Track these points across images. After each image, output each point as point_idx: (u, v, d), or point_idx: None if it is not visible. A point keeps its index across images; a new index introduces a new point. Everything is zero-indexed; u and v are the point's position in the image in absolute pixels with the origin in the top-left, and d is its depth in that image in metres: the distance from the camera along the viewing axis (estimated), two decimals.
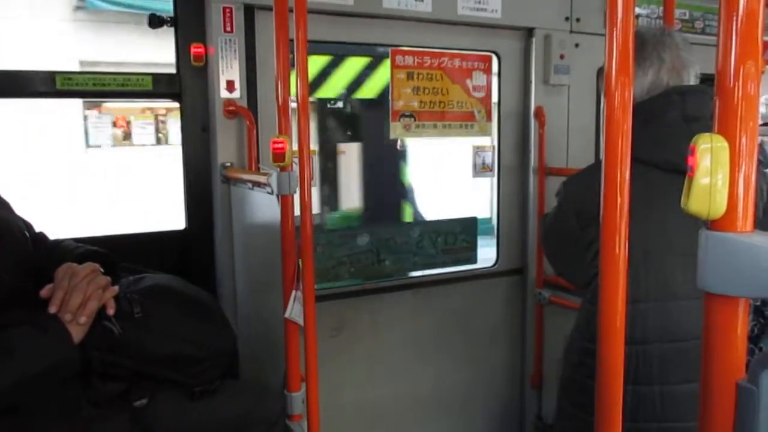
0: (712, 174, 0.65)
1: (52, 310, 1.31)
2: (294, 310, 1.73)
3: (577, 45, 2.85)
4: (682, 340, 1.68)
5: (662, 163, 1.61)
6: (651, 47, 1.70)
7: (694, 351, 1.67)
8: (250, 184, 2.00)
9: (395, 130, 2.57)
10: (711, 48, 2.53)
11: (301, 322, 1.71)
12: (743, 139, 0.66)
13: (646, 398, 1.68)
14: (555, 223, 1.87)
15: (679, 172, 1.60)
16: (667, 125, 1.63)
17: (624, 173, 0.82)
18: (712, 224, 0.68)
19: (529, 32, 2.80)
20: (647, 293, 1.67)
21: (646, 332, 1.67)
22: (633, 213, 1.63)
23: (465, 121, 2.73)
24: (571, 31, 2.84)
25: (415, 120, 2.59)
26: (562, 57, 2.79)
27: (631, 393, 1.67)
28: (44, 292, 1.34)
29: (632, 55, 0.84)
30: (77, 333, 1.32)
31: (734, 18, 0.65)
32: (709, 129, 1.83)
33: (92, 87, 2.07)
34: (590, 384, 1.73)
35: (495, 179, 2.90)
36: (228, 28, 2.17)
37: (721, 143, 0.65)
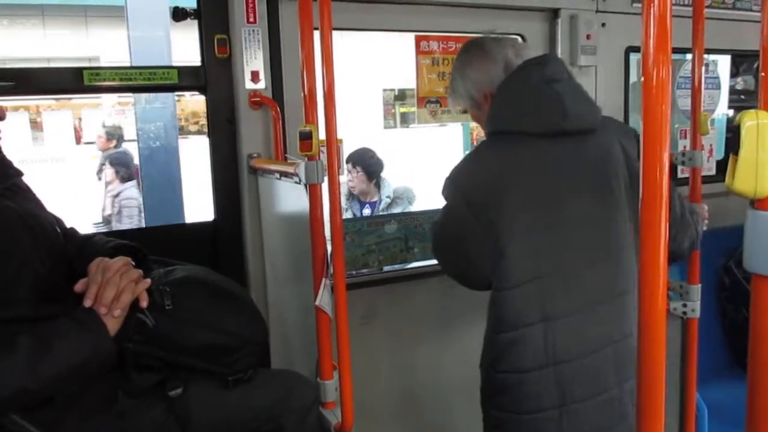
0: (759, 151, 0.63)
1: (87, 303, 1.32)
2: (323, 299, 1.73)
3: (603, 25, 2.80)
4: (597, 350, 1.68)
5: (543, 125, 1.68)
6: (490, 43, 1.82)
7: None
8: (277, 174, 2.00)
9: (421, 116, 2.56)
10: (741, 24, 2.50)
11: (329, 310, 1.71)
12: None
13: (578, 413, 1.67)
14: (448, 222, 1.79)
15: (563, 133, 1.65)
16: (533, 89, 1.70)
17: (663, 152, 0.80)
18: (757, 203, 0.66)
19: (554, 13, 2.76)
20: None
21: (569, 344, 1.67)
22: (524, 184, 1.66)
23: None
24: (597, 11, 2.79)
25: (440, 106, 2.58)
26: (588, 37, 2.74)
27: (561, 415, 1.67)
28: (78, 287, 1.35)
29: (669, 31, 0.81)
30: (112, 326, 1.33)
31: None
32: (572, 88, 1.76)
33: (119, 82, 2.08)
34: (513, 377, 1.70)
35: None
36: (251, 19, 2.17)
37: (767, 120, 0.63)
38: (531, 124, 1.69)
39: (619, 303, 1.69)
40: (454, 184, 1.75)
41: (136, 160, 4.74)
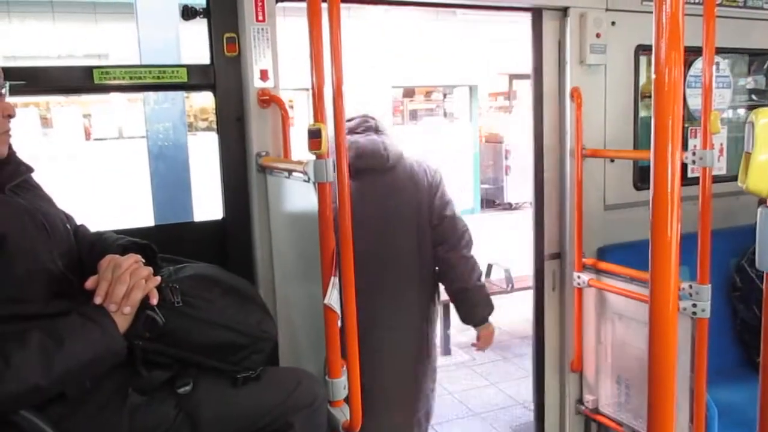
0: None
1: (98, 300, 1.33)
2: (332, 297, 1.72)
3: (613, 23, 2.79)
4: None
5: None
6: None
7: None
8: (286, 173, 2.00)
9: None
10: (753, 22, 2.48)
11: (338, 309, 1.71)
12: None
13: None
14: None
15: (358, 171, 2.35)
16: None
17: (674, 152, 0.79)
18: None
19: (564, 11, 2.75)
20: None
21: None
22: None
23: None
24: (607, 9, 2.78)
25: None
26: (598, 36, 2.73)
27: None
28: (89, 284, 1.36)
29: (682, 30, 0.81)
30: (122, 323, 1.34)
31: None
32: (371, 138, 2.49)
33: (129, 80, 2.09)
34: None
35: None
36: (260, 18, 2.17)
37: None
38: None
39: (403, 296, 2.41)
40: None
41: (146, 157, 4.75)
